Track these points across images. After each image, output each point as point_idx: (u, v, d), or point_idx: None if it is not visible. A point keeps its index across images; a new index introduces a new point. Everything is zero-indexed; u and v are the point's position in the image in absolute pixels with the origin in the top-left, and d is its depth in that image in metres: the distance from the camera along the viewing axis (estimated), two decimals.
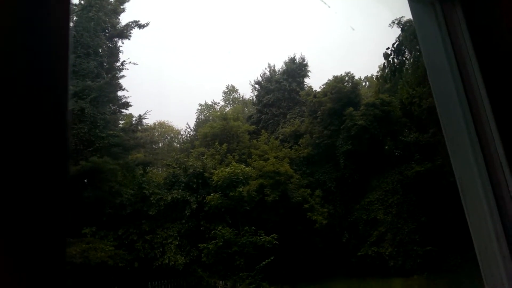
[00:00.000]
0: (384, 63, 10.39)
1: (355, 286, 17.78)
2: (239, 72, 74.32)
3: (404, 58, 10.67)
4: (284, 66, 32.01)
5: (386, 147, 21.46)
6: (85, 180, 21.15)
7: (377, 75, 11.40)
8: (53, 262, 0.52)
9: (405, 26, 10.55)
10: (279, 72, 31.99)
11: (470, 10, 1.05)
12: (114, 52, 24.61)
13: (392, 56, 10.35)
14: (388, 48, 10.35)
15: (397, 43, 10.38)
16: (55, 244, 0.53)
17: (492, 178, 1.00)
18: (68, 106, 0.60)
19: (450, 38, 1.13)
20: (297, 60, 31.86)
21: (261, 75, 33.16)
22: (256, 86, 32.93)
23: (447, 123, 1.13)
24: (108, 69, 24.22)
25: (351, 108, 22.16)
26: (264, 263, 15.18)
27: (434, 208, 19.40)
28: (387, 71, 10.64)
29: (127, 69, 24.63)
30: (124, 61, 24.41)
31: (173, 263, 19.44)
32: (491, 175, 1.01)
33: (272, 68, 32.87)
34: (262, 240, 17.86)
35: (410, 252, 18.22)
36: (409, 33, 10.08)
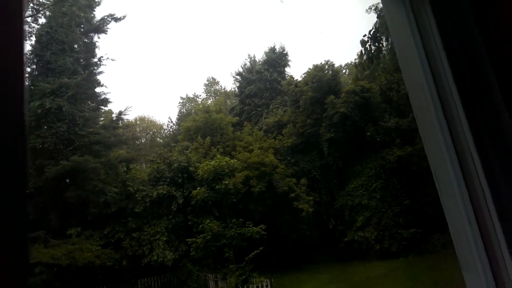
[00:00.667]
0: (361, 50, 10.48)
1: (343, 271, 18.17)
2: (220, 64, 73.79)
3: (380, 45, 10.77)
4: (264, 56, 31.92)
5: (368, 133, 21.80)
6: (67, 180, 20.74)
7: (355, 62, 11.49)
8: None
9: (381, 13, 10.62)
10: (260, 63, 31.89)
11: (439, 5, 1.07)
12: (91, 48, 23.99)
13: (369, 43, 10.43)
14: (365, 35, 10.43)
15: (373, 30, 10.46)
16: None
17: (462, 165, 1.03)
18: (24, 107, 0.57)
19: (419, 30, 1.15)
20: (277, 49, 31.81)
21: (242, 66, 33.02)
22: (237, 77, 32.77)
23: (419, 114, 1.16)
24: (85, 65, 23.62)
25: (332, 96, 22.34)
26: (253, 254, 15.30)
27: (416, 190, 19.91)
28: (365, 58, 10.73)
29: (105, 65, 24.12)
30: (102, 56, 23.85)
31: (162, 259, 19.37)
32: (461, 162, 1.04)
33: (253, 58, 32.77)
34: (250, 231, 17.96)
35: (395, 235, 18.69)
36: (385, 20, 10.16)
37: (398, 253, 18.30)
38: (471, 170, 1.00)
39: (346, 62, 36.12)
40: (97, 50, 24.18)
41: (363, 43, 10.52)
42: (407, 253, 18.21)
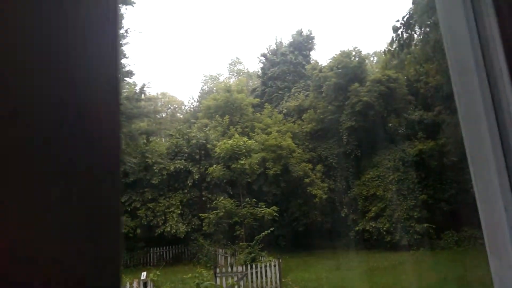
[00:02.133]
0: (392, 36, 10.11)
1: (351, 259, 18.26)
2: (245, 44, 73.05)
3: (413, 32, 10.37)
4: (290, 38, 31.39)
5: (390, 125, 21.36)
6: None
7: (384, 50, 11.10)
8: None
9: None
10: (285, 45, 31.41)
11: None
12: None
13: (401, 29, 10.04)
14: (397, 21, 10.05)
15: (407, 16, 10.04)
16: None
17: (505, 150, 1.01)
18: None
19: (473, 8, 1.11)
20: (304, 33, 31.19)
21: (267, 47, 32.61)
22: (262, 58, 32.42)
23: (463, 97, 1.13)
24: None
25: (356, 84, 21.89)
26: (263, 234, 15.51)
27: (434, 186, 19.58)
28: (395, 46, 10.37)
29: (131, 37, 24.22)
30: (129, 28, 23.96)
31: (175, 231, 19.91)
32: (504, 147, 1.01)
33: (279, 40, 32.27)
34: (263, 212, 18.17)
35: (408, 228, 18.54)
36: (420, 6, 9.73)
37: (409, 247, 18.19)
38: None
39: (375, 50, 35.17)
40: (123, 21, 24.27)
41: (395, 29, 10.15)
42: (418, 247, 18.09)
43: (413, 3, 10.43)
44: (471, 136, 1.08)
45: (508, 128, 1.02)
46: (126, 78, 24.91)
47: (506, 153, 1.00)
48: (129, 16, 58.89)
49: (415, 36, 10.73)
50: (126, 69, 24.48)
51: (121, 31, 24.09)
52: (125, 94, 23.83)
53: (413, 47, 11.46)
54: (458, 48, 1.17)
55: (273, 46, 32.00)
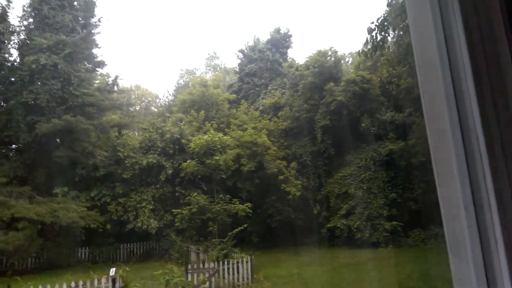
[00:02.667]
0: (367, 38, 10.28)
1: (322, 255, 18.57)
2: (223, 40, 72.50)
3: (387, 35, 10.59)
4: (268, 35, 31.43)
5: (363, 124, 21.81)
6: (57, 139, 20.56)
7: (359, 50, 11.27)
8: None
9: (392, 1, 10.39)
10: (263, 42, 31.41)
11: None
12: (90, 7, 23.26)
13: (376, 31, 10.23)
14: (372, 23, 10.23)
15: (381, 18, 10.25)
16: None
17: (467, 148, 1.01)
18: None
19: (440, 5, 1.11)
20: (282, 31, 31.30)
21: (245, 43, 32.50)
22: (239, 54, 32.28)
23: (426, 90, 1.13)
24: (83, 25, 22.99)
25: (331, 84, 22.20)
26: (236, 230, 15.50)
27: (402, 185, 20.20)
28: (369, 47, 10.57)
29: (104, 26, 23.50)
30: (101, 17, 23.21)
31: (146, 226, 19.56)
32: (466, 145, 1.02)
33: (257, 37, 32.22)
34: (236, 208, 18.14)
35: (377, 226, 19.04)
36: (394, 9, 9.96)
37: (378, 244, 18.70)
38: (475, 155, 0.99)
39: (350, 51, 35.75)
40: (96, 10, 23.49)
41: (369, 30, 10.33)
42: (387, 244, 18.63)
43: (388, 6, 10.67)
44: (434, 134, 1.08)
45: (470, 127, 1.02)
46: (98, 69, 24.17)
47: (467, 152, 1.01)
48: (102, 4, 56.98)
49: (389, 38, 10.98)
50: (98, 59, 23.74)
51: (94, 19, 23.29)
52: (96, 85, 23.12)
53: (386, 49, 11.71)
54: (424, 47, 1.17)
55: (251, 43, 31.94)
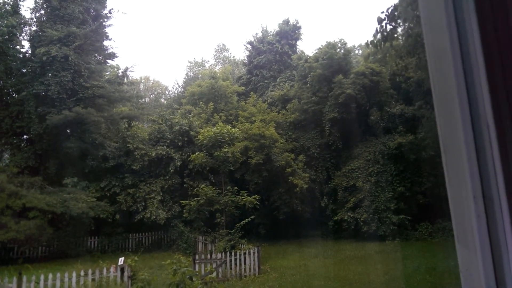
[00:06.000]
0: (376, 28, 10.11)
1: (329, 248, 18.59)
2: (232, 32, 72.19)
3: (397, 25, 10.39)
4: (277, 27, 31.15)
5: (372, 117, 21.62)
6: (68, 130, 20.82)
7: (368, 41, 11.11)
8: None
9: None
10: (272, 34, 31.16)
11: None
12: None
13: (386, 21, 10.05)
14: (382, 12, 10.05)
15: (391, 8, 10.05)
16: None
17: (477, 137, 1.01)
18: None
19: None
20: (291, 22, 30.99)
21: (254, 35, 32.30)
22: (248, 46, 32.10)
23: (437, 80, 1.13)
24: (94, 16, 23.08)
25: (340, 76, 22.00)
26: (244, 221, 15.58)
27: (411, 179, 20.05)
28: (379, 37, 10.40)
29: (115, 17, 23.57)
30: (112, 8, 23.29)
31: (154, 217, 19.79)
32: (476, 134, 1.02)
33: (265, 29, 31.97)
34: (244, 200, 18.23)
35: (384, 219, 18.98)
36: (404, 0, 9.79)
37: (385, 237, 18.67)
38: (485, 144, 0.99)
39: (360, 43, 35.31)
40: (107, 2, 23.55)
41: (379, 20, 10.15)
42: (394, 237, 18.59)
43: None
44: (444, 124, 1.08)
45: (481, 117, 1.02)
46: (108, 61, 24.31)
47: (477, 141, 1.01)
48: None
49: (399, 29, 10.79)
50: (109, 51, 23.88)
51: (105, 11, 23.37)
52: (107, 77, 23.29)
53: (395, 41, 11.52)
54: (436, 38, 1.16)
55: (260, 35, 31.72)
